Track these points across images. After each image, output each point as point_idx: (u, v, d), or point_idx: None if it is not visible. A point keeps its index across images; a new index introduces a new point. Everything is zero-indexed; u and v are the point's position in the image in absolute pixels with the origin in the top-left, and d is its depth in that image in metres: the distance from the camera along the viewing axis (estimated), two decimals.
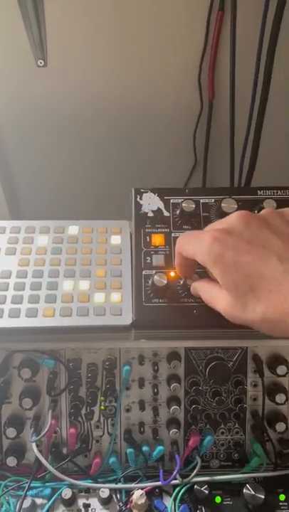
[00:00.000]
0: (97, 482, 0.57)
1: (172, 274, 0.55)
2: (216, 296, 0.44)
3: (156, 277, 0.53)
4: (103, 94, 0.81)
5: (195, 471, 0.55)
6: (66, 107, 0.82)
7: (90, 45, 0.76)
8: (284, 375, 0.58)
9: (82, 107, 0.83)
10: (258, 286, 0.38)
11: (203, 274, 0.51)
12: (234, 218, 0.43)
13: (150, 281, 0.54)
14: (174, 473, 0.55)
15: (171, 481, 0.55)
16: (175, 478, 0.56)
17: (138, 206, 0.59)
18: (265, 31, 0.70)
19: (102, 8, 0.73)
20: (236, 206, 0.56)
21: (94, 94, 0.81)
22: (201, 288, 0.48)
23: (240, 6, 0.70)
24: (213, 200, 0.59)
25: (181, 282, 0.54)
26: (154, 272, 0.55)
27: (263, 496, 0.56)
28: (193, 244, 0.45)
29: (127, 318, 0.55)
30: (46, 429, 0.54)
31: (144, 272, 0.56)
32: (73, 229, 0.65)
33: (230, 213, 0.56)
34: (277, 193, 0.60)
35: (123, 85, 0.80)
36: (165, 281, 0.53)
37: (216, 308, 0.44)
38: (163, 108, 0.84)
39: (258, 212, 0.58)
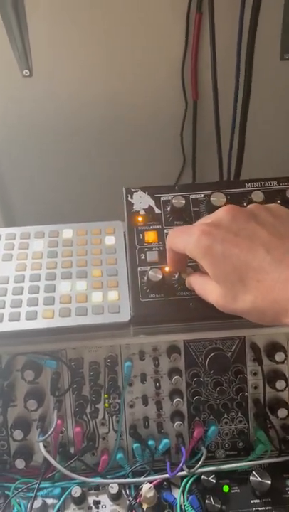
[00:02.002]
0: (106, 479, 0.58)
1: (167, 269, 0.56)
2: (208, 289, 0.45)
3: (151, 273, 0.54)
4: (89, 99, 0.83)
5: (201, 461, 0.56)
6: (53, 113, 0.84)
7: (75, 51, 0.78)
8: (282, 362, 0.59)
9: (69, 113, 0.84)
10: (247, 277, 0.39)
11: (196, 267, 0.53)
12: (221, 212, 0.45)
13: (146, 277, 0.55)
14: (180, 464, 0.56)
15: (177, 472, 0.56)
16: (182, 470, 0.57)
17: (130, 205, 0.61)
18: (243, 30, 0.72)
19: (85, 15, 0.74)
20: (225, 199, 0.58)
21: (80, 100, 0.83)
22: (194, 281, 0.50)
23: (218, 7, 0.72)
24: (202, 195, 0.61)
25: (176, 276, 0.55)
26: (148, 268, 0.56)
27: (269, 482, 0.57)
28: (183, 238, 0.46)
29: (125, 315, 0.56)
30: (52, 429, 0.55)
31: (139, 269, 0.57)
32: (67, 232, 0.66)
33: (220, 207, 0.58)
34: (264, 184, 0.61)
35: (108, 89, 0.82)
36: (160, 276, 0.54)
37: (209, 300, 0.45)
38: (149, 110, 0.86)
39: (247, 205, 0.60)
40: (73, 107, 0.83)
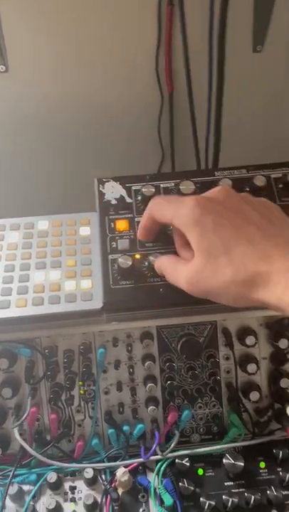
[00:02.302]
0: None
1: (138, 256, 0.57)
2: (180, 269, 0.45)
3: (120, 260, 0.55)
4: (63, 92, 0.83)
5: (173, 444, 0.57)
6: (27, 106, 0.84)
7: (49, 46, 0.79)
8: (253, 346, 0.60)
9: (43, 107, 0.85)
10: (234, 249, 0.40)
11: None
12: (216, 191, 0.46)
13: (116, 265, 0.56)
14: (153, 447, 0.57)
15: (150, 456, 0.57)
16: (155, 453, 0.58)
17: (101, 195, 0.62)
18: (213, 22, 0.73)
19: (58, 9, 0.75)
20: (194, 187, 0.59)
21: (54, 93, 0.83)
22: (165, 263, 0.50)
23: None
24: (173, 184, 0.62)
25: (146, 263, 0.56)
26: (119, 255, 0.57)
27: (242, 464, 0.58)
28: (174, 207, 0.46)
29: (97, 303, 0.57)
30: (26, 415, 0.56)
31: (110, 257, 0.58)
32: (43, 224, 0.67)
33: (189, 195, 0.59)
34: (233, 172, 0.62)
35: (83, 84, 0.83)
36: (130, 263, 0.55)
37: (178, 280, 0.46)
38: (125, 103, 0.86)
39: None
40: (47, 101, 0.84)
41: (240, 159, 0.66)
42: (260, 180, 0.59)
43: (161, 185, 0.62)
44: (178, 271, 0.46)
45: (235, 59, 0.80)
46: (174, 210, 0.45)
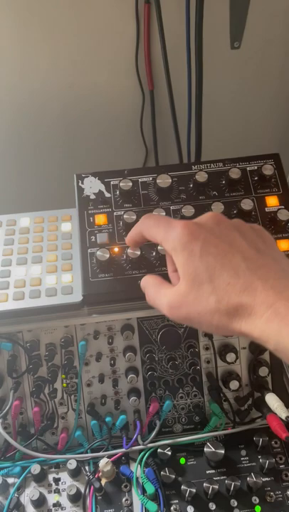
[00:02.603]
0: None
1: (116, 249, 0.58)
2: (164, 292, 0.44)
3: (98, 253, 0.56)
4: (46, 91, 0.84)
5: (154, 434, 0.58)
6: (10, 103, 0.85)
7: (29, 45, 0.79)
8: (232, 335, 0.61)
9: (28, 106, 0.86)
10: (218, 277, 0.40)
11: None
12: (206, 217, 0.45)
13: (95, 258, 0.57)
14: (134, 436, 0.58)
15: (131, 445, 0.58)
16: (137, 443, 0.58)
17: (80, 190, 0.63)
18: (190, 16, 0.74)
19: (38, 8, 0.76)
20: (170, 180, 0.60)
21: (37, 93, 0.84)
22: (150, 282, 0.48)
23: None
24: (150, 179, 0.63)
25: (124, 256, 0.57)
26: (98, 249, 0.58)
27: (223, 452, 0.59)
28: (163, 229, 0.45)
29: (77, 296, 0.58)
30: (7, 407, 0.57)
31: (89, 250, 0.59)
32: (25, 220, 0.67)
33: (166, 188, 0.61)
34: (210, 166, 0.63)
35: (64, 82, 0.84)
36: (107, 256, 0.56)
37: (160, 303, 0.45)
38: (107, 103, 0.88)
39: (193, 185, 0.62)
40: (29, 100, 0.85)
41: (222, 154, 0.67)
42: (235, 173, 0.61)
43: (140, 180, 0.63)
44: (161, 293, 0.45)
45: (214, 55, 0.81)
46: (164, 233, 0.45)
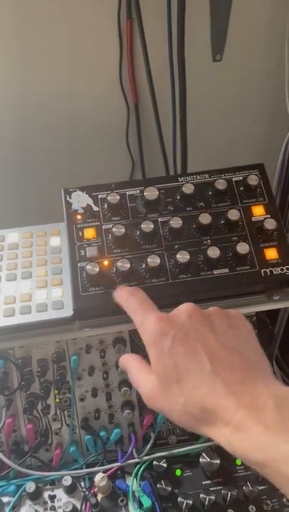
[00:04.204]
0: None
1: (106, 262, 0.58)
2: (143, 378, 0.44)
3: (88, 267, 0.56)
4: (30, 105, 0.85)
5: (149, 446, 0.58)
6: None
7: (13, 57, 0.80)
8: None
9: (12, 119, 0.86)
10: (185, 379, 0.40)
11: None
12: (181, 310, 0.45)
13: (84, 272, 0.57)
14: (129, 450, 0.57)
15: (127, 459, 0.58)
16: (132, 457, 0.58)
17: (68, 205, 0.63)
18: (172, 32, 0.75)
19: (22, 21, 0.76)
20: (158, 193, 0.60)
21: (21, 106, 0.85)
22: (131, 365, 0.47)
23: (146, 12, 0.75)
24: (138, 191, 0.63)
25: (114, 269, 0.57)
26: (88, 263, 0.58)
27: (218, 462, 0.59)
28: (139, 318, 0.46)
29: (68, 311, 0.58)
30: (1, 425, 0.56)
31: (79, 265, 0.59)
32: (13, 236, 0.67)
33: (153, 200, 0.61)
34: (196, 178, 0.64)
35: (49, 96, 0.84)
36: (97, 269, 0.56)
37: (139, 389, 0.45)
38: (92, 116, 0.88)
39: (180, 197, 0.62)
40: (12, 113, 0.85)
41: (207, 164, 0.68)
42: (221, 184, 0.61)
43: (127, 193, 0.63)
44: (140, 381, 0.45)
45: (196, 68, 0.82)
46: (139, 322, 0.46)
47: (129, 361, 0.48)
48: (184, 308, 0.44)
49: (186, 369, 0.40)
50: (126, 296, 0.50)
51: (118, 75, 0.84)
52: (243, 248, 0.57)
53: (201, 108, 0.86)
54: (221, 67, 0.85)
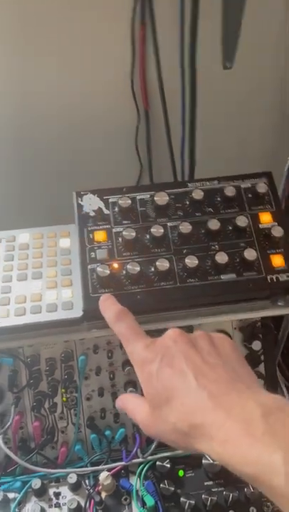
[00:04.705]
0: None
1: (116, 265, 0.60)
2: (138, 408, 0.46)
3: (99, 269, 0.57)
4: (43, 109, 0.86)
5: (153, 446, 0.59)
6: (8, 122, 0.87)
7: (26, 63, 0.81)
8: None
9: (24, 123, 0.87)
10: (173, 398, 0.41)
11: None
12: (167, 335, 0.46)
13: (95, 274, 0.58)
14: (134, 450, 0.59)
15: (132, 458, 0.59)
16: (136, 456, 0.59)
17: (80, 207, 0.64)
18: (184, 39, 0.77)
19: (36, 28, 0.78)
20: (168, 198, 0.62)
21: (33, 110, 0.86)
22: (126, 400, 0.50)
23: (159, 18, 0.76)
24: (148, 196, 0.64)
25: (124, 272, 0.59)
26: (98, 265, 0.59)
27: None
28: (130, 345, 0.48)
29: (77, 311, 0.59)
30: (9, 423, 0.58)
31: (89, 267, 0.60)
32: (24, 236, 0.68)
33: (163, 205, 0.63)
34: (205, 184, 0.65)
35: (60, 100, 0.86)
36: (108, 272, 0.57)
37: (136, 419, 0.46)
38: (102, 121, 0.90)
39: (190, 203, 0.64)
40: (25, 116, 0.86)
41: (214, 171, 0.69)
42: (230, 191, 0.63)
43: (138, 197, 0.65)
44: (136, 408, 0.46)
45: (207, 75, 0.83)
46: (129, 350, 0.47)
47: (125, 397, 0.50)
48: (170, 334, 0.46)
49: (173, 388, 0.41)
50: (114, 320, 0.51)
51: (130, 81, 0.85)
52: (250, 254, 0.58)
53: (210, 115, 0.88)
54: (231, 75, 0.86)
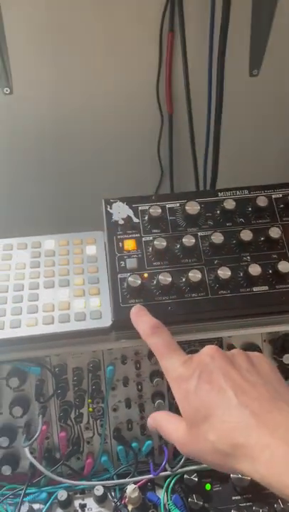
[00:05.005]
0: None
1: (146, 275, 0.59)
2: (173, 427, 0.45)
3: (130, 279, 0.56)
4: (67, 115, 0.86)
5: (182, 460, 0.58)
6: (34, 127, 0.87)
7: (52, 69, 0.81)
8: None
9: (48, 128, 0.87)
10: (213, 415, 0.40)
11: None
12: (204, 352, 0.45)
13: (125, 284, 0.58)
14: (163, 463, 0.58)
15: (160, 472, 0.58)
16: (165, 469, 0.58)
17: (109, 215, 0.63)
18: (213, 47, 0.76)
19: (62, 34, 0.78)
20: (199, 207, 0.61)
21: (58, 116, 0.86)
22: (159, 418, 0.48)
23: (188, 26, 0.76)
24: (178, 205, 0.64)
25: (155, 282, 0.58)
26: (128, 274, 0.58)
27: (249, 478, 0.59)
28: (166, 361, 0.47)
29: (106, 321, 0.58)
30: (37, 434, 0.57)
31: (119, 276, 0.59)
32: (49, 243, 0.68)
33: (194, 215, 0.62)
34: (236, 193, 0.64)
35: (84, 105, 0.85)
36: (139, 282, 0.56)
37: (171, 438, 0.45)
38: (126, 126, 0.89)
39: (220, 212, 0.63)
40: (49, 122, 0.86)
41: (236, 180, 0.68)
42: (262, 201, 0.62)
43: (167, 206, 0.64)
44: (169, 429, 0.46)
45: (233, 83, 0.83)
46: (165, 366, 0.46)
47: (157, 416, 0.49)
48: (207, 351, 0.45)
49: (212, 405, 0.40)
50: (149, 334, 0.50)
51: (155, 85, 0.84)
52: (284, 267, 0.57)
53: (235, 123, 0.87)
54: (257, 82, 0.86)
